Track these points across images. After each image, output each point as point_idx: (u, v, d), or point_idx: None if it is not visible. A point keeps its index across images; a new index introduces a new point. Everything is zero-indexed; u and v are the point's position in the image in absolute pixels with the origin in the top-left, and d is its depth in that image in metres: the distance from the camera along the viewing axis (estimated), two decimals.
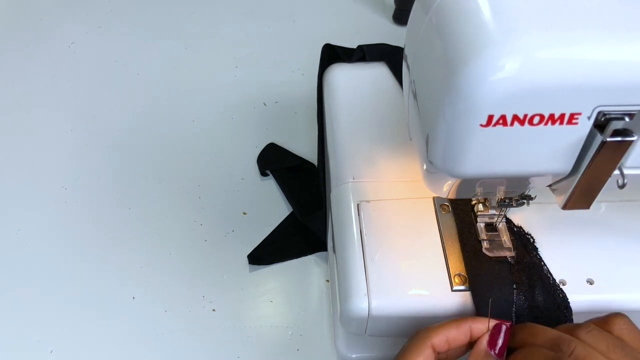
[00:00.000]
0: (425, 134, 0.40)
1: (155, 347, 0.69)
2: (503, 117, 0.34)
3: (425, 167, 0.43)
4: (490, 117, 0.34)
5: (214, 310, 0.72)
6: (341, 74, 0.68)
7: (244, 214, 0.81)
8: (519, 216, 0.53)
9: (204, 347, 0.69)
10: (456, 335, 0.46)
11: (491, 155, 0.37)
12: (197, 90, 0.96)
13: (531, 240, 0.52)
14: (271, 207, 0.81)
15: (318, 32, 1.03)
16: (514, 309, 0.48)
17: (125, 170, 0.85)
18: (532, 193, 0.48)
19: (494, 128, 0.35)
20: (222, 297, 0.73)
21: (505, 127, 0.35)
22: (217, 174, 0.85)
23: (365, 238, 0.52)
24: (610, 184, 0.39)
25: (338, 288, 0.52)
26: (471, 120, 0.35)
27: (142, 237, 0.78)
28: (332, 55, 0.74)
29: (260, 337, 0.70)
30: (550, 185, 0.43)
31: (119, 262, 0.76)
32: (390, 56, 0.69)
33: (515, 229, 0.52)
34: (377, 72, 0.68)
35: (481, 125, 0.35)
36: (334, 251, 0.56)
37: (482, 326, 0.46)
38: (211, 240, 0.78)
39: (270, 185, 0.84)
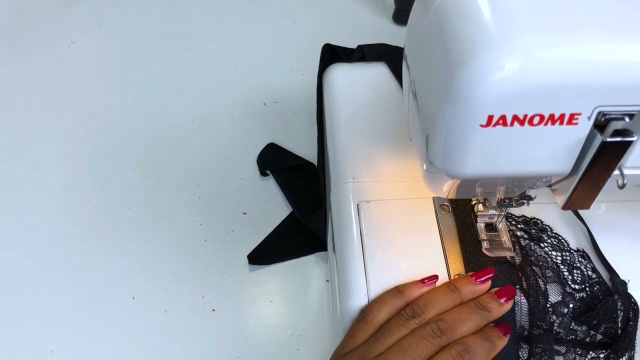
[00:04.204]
0: (425, 134, 0.40)
1: (155, 347, 0.69)
2: (503, 118, 0.34)
3: (425, 167, 0.43)
4: (490, 118, 0.34)
5: (213, 310, 0.72)
6: (341, 74, 0.68)
7: (244, 214, 0.81)
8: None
9: (203, 347, 0.69)
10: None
11: (491, 155, 0.37)
12: (197, 90, 0.96)
13: (548, 229, 0.52)
14: (271, 207, 0.81)
15: (318, 32, 1.03)
16: (515, 309, 0.48)
17: (125, 170, 0.85)
18: (532, 193, 0.48)
19: (494, 128, 0.35)
20: (222, 297, 0.73)
21: (505, 128, 0.35)
22: (217, 174, 0.85)
23: (365, 238, 0.52)
24: (610, 184, 0.39)
25: (338, 288, 0.52)
26: (471, 121, 0.35)
27: (141, 236, 0.78)
28: (332, 55, 0.74)
29: (260, 337, 0.70)
30: (550, 186, 0.42)
31: (118, 262, 0.76)
32: (390, 56, 0.69)
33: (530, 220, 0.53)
34: (377, 72, 0.67)
35: (481, 125, 0.35)
36: (334, 251, 0.56)
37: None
38: (211, 240, 0.78)
39: (270, 185, 0.84)
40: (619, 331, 0.47)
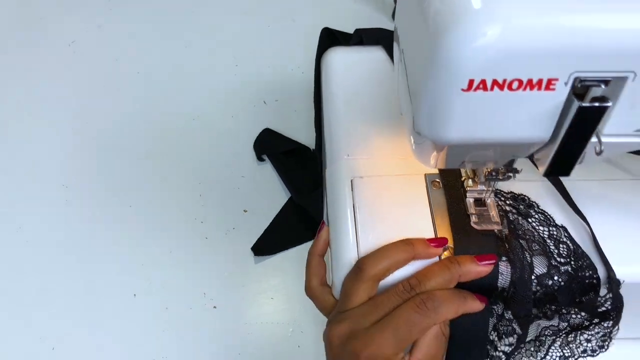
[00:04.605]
0: (413, 102, 0.41)
1: (156, 344, 0.70)
2: (483, 82, 0.35)
3: (412, 139, 0.44)
4: (471, 82, 0.35)
5: (215, 307, 0.72)
6: (339, 57, 0.68)
7: (245, 211, 0.81)
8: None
9: (204, 344, 0.70)
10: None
11: (473, 120, 0.37)
12: (197, 89, 0.96)
13: (535, 206, 0.53)
14: (271, 205, 0.81)
15: (318, 31, 1.03)
16: (500, 281, 0.49)
17: (126, 168, 0.86)
18: (517, 166, 0.49)
19: (475, 93, 0.35)
20: (223, 294, 0.73)
21: (486, 92, 0.35)
22: (218, 172, 0.85)
23: (357, 212, 0.53)
24: (590, 152, 0.40)
25: (331, 260, 0.53)
26: (453, 85, 0.35)
27: (143, 234, 0.79)
28: (330, 38, 0.74)
29: (261, 334, 0.70)
30: (532, 155, 0.43)
31: (120, 260, 0.77)
32: (387, 40, 0.69)
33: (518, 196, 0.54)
34: (374, 56, 0.68)
35: (462, 89, 0.35)
36: (328, 226, 0.57)
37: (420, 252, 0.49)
38: (212, 238, 0.78)
39: (270, 182, 0.84)
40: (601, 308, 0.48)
